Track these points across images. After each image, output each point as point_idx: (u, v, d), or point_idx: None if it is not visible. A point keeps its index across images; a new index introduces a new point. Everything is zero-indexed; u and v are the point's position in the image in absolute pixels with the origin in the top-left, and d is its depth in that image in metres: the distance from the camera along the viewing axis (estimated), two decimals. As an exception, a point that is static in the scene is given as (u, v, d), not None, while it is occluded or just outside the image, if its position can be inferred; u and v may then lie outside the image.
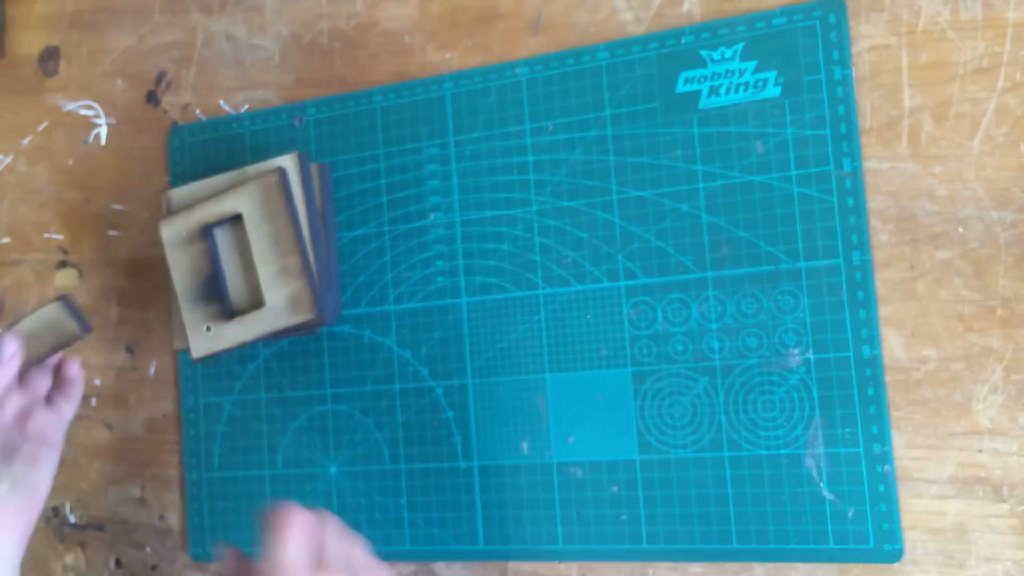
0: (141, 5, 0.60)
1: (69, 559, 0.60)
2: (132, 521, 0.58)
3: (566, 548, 0.48)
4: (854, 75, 0.45)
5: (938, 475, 0.43)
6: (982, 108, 0.43)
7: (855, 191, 0.44)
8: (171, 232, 0.54)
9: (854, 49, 0.45)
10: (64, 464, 0.60)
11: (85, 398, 0.60)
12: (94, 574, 0.59)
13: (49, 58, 0.63)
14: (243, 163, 0.55)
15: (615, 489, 0.47)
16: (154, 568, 0.57)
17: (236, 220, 0.53)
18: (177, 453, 0.57)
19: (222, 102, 0.57)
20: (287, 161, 0.52)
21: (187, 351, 0.56)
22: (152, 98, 0.59)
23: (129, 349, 0.59)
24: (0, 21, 0.64)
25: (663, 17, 0.48)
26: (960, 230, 0.43)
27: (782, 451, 0.45)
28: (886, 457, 0.43)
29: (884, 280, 0.44)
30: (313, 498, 0.53)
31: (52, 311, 0.51)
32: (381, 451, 0.52)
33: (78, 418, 0.60)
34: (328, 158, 0.54)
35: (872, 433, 0.43)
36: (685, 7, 0.48)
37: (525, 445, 0.49)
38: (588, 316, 0.48)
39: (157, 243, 0.58)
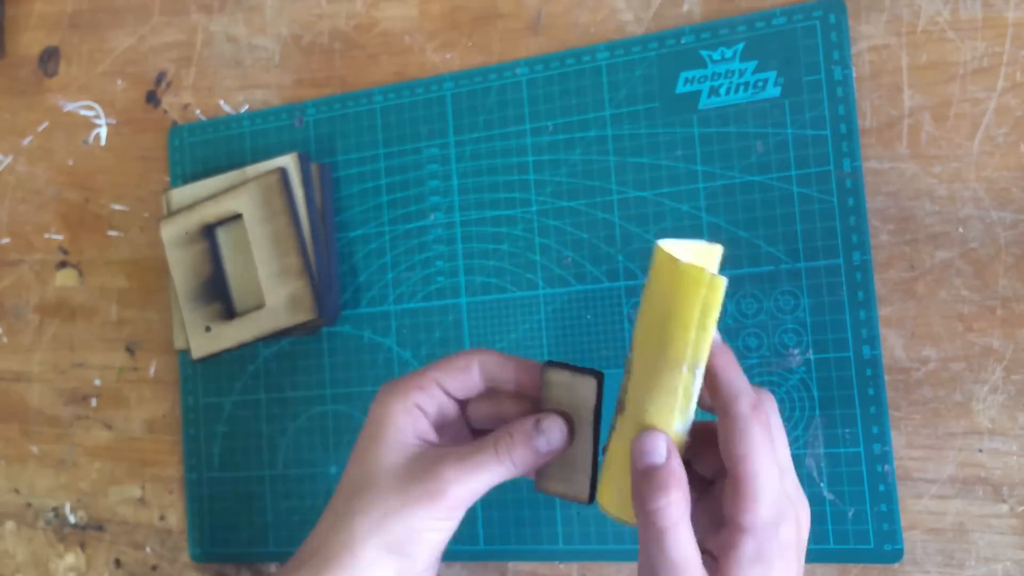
0: (141, 5, 0.60)
1: (69, 559, 0.60)
2: (132, 521, 0.58)
3: (566, 548, 0.48)
4: (854, 75, 0.45)
5: (938, 475, 0.43)
6: (982, 108, 0.43)
7: (855, 191, 0.44)
8: (171, 232, 0.54)
9: (854, 49, 0.45)
10: (64, 464, 0.60)
11: (85, 398, 0.60)
12: (94, 574, 0.59)
13: (49, 58, 0.63)
14: (243, 163, 0.55)
15: (615, 489, 0.47)
16: (154, 568, 0.57)
17: (236, 220, 0.53)
18: (177, 453, 0.57)
19: (222, 102, 0.57)
20: (287, 161, 0.52)
21: (187, 351, 0.56)
22: (152, 98, 0.59)
23: (129, 349, 0.59)
24: (0, 21, 0.64)
25: (663, 17, 0.48)
26: (960, 230, 0.43)
27: (782, 451, 0.45)
28: (886, 457, 0.43)
29: (884, 280, 0.44)
30: (313, 498, 0.53)
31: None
32: None
33: (78, 418, 0.60)
34: (328, 158, 0.54)
35: (872, 433, 0.43)
36: (685, 7, 0.48)
37: (525, 445, 0.49)
38: (588, 316, 0.48)
39: (157, 243, 0.58)
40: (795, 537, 0.32)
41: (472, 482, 0.35)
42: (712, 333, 0.32)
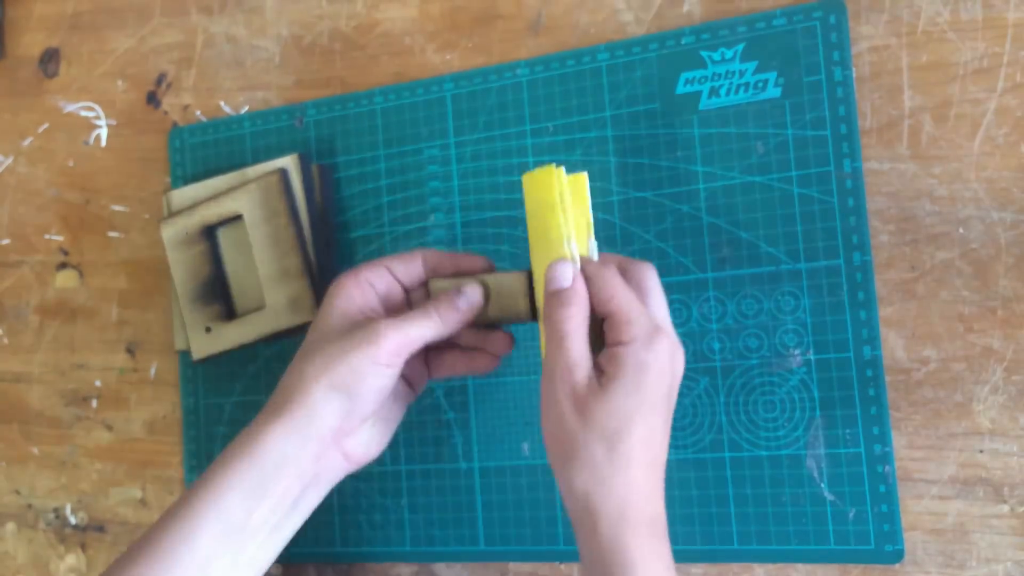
0: (141, 6, 0.60)
1: (70, 560, 0.60)
2: (133, 522, 0.58)
3: (566, 549, 0.48)
4: (854, 76, 0.45)
5: (939, 476, 0.43)
6: (982, 108, 0.43)
7: (855, 192, 0.44)
8: (172, 233, 0.54)
9: (854, 50, 0.45)
10: (65, 465, 0.60)
11: (85, 399, 0.60)
12: (95, 575, 0.59)
13: (49, 59, 0.63)
14: (244, 164, 0.55)
15: (616, 490, 0.47)
16: (155, 569, 0.57)
17: (237, 221, 0.53)
18: (178, 454, 0.57)
19: (222, 103, 0.57)
20: (288, 162, 0.52)
21: (188, 352, 0.56)
22: (152, 99, 0.59)
23: (129, 350, 0.59)
24: (0, 22, 0.64)
25: (663, 18, 0.48)
26: (960, 230, 0.43)
27: (783, 452, 0.45)
28: (887, 458, 0.43)
29: (884, 281, 0.44)
30: (314, 499, 0.53)
31: (517, 280, 0.43)
32: (382, 452, 0.52)
33: (78, 419, 0.60)
34: (329, 159, 0.54)
35: (873, 434, 0.43)
36: (685, 8, 0.48)
37: (526, 446, 0.49)
38: (588, 317, 0.48)
39: (158, 244, 0.58)
40: (668, 357, 0.38)
41: (405, 332, 0.41)
42: (571, 210, 0.40)
